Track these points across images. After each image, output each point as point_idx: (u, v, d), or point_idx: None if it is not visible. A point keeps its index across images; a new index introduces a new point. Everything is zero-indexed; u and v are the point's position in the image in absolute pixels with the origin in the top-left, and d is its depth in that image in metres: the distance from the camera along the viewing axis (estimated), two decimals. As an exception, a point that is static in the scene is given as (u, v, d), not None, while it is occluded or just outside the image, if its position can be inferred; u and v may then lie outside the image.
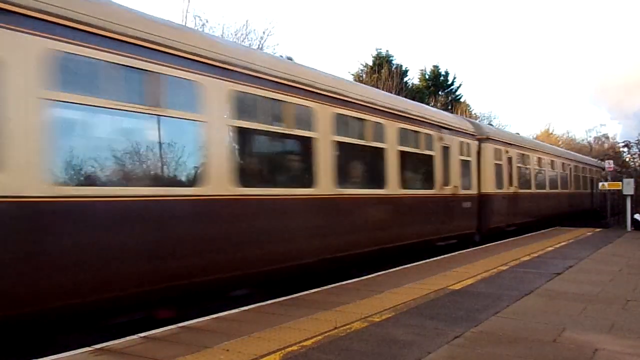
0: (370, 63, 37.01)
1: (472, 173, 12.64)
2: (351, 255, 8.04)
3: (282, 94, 6.87)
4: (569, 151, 27.51)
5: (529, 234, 15.39)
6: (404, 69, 36.89)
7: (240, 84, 6.23)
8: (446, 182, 11.18)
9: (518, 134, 22.91)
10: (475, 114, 42.65)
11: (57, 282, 4.39)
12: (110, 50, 4.86)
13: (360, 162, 8.95)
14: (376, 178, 8.99)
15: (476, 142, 13.05)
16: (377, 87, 22.77)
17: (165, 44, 5.39)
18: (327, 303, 5.86)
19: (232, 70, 6.12)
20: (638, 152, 25.84)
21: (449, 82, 41.61)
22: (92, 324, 4.91)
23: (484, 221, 13.09)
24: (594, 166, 27.58)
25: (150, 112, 5.22)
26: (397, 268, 8.54)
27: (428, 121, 10.72)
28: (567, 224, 19.39)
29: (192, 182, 5.72)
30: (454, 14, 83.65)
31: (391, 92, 22.13)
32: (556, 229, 17.66)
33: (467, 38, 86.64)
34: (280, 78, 6.85)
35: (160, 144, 5.43)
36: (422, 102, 16.99)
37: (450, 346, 4.30)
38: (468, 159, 12.45)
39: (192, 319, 5.20)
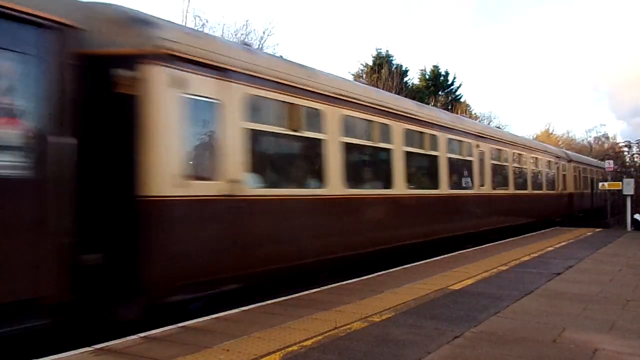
0: (370, 63, 37.06)
1: (565, 181, 21.79)
2: (525, 223, 16.24)
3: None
4: (594, 159, 32.53)
5: (529, 234, 15.42)
6: (404, 69, 36.96)
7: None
8: (558, 186, 20.43)
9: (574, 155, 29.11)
10: (475, 114, 42.66)
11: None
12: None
13: (534, 178, 18.01)
14: (539, 185, 18.45)
15: (566, 163, 22.11)
16: (377, 87, 22.77)
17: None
18: (327, 303, 5.86)
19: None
20: (638, 152, 25.87)
21: (449, 82, 41.65)
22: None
23: (570, 208, 21.94)
24: (598, 167, 27.93)
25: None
26: (397, 268, 8.54)
27: (553, 154, 20.72)
28: (567, 224, 19.53)
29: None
30: (454, 14, 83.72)
31: (391, 92, 22.19)
32: (556, 229, 17.69)
33: (467, 38, 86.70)
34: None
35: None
36: (422, 102, 17.97)
37: (450, 346, 4.30)
38: (564, 173, 21.66)
39: (192, 318, 5.20)
